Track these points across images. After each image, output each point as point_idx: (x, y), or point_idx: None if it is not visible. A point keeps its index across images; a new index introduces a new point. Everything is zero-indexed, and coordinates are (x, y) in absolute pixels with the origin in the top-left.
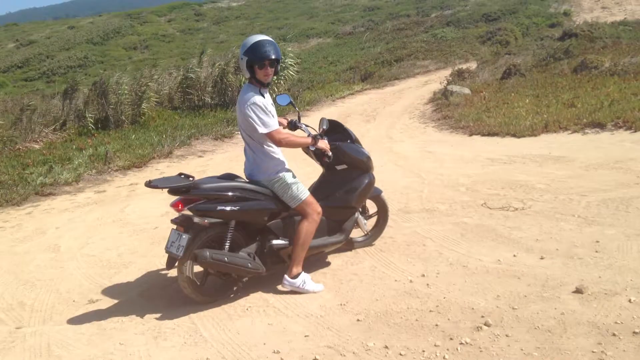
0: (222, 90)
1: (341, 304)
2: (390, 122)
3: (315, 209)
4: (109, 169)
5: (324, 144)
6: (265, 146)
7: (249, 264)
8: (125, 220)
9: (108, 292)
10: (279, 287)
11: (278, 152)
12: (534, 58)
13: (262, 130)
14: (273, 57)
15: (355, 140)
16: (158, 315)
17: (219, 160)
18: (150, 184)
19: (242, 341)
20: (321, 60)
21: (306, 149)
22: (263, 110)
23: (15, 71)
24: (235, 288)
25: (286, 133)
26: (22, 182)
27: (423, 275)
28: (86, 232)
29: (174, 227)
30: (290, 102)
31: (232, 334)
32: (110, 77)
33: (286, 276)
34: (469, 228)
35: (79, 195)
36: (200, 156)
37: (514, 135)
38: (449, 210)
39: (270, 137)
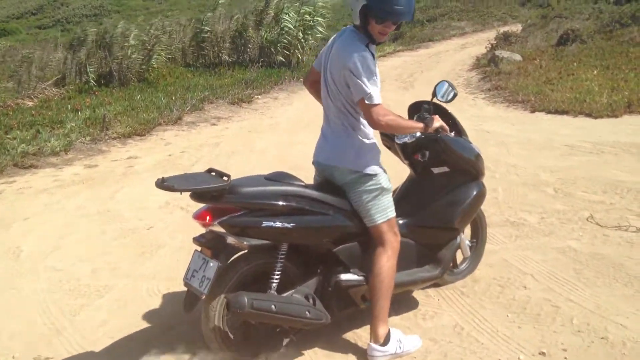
0: (241, 47)
1: None
2: (431, 90)
3: (397, 235)
4: (106, 137)
5: (438, 121)
6: (362, 119)
7: (308, 312)
8: (114, 212)
9: (66, 343)
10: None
11: (375, 136)
12: (595, 23)
13: (370, 98)
14: (405, 18)
15: (462, 132)
16: None
17: (235, 129)
18: (163, 184)
19: None
20: (346, 17)
21: (389, 141)
22: (374, 72)
23: (29, 18)
24: (286, 341)
25: (390, 111)
26: (0, 150)
27: (542, 354)
28: (61, 228)
29: (198, 248)
30: (454, 95)
31: None
32: (116, 27)
33: (373, 345)
34: (582, 260)
35: (64, 170)
36: (214, 124)
37: (588, 115)
38: (543, 225)
39: (373, 112)
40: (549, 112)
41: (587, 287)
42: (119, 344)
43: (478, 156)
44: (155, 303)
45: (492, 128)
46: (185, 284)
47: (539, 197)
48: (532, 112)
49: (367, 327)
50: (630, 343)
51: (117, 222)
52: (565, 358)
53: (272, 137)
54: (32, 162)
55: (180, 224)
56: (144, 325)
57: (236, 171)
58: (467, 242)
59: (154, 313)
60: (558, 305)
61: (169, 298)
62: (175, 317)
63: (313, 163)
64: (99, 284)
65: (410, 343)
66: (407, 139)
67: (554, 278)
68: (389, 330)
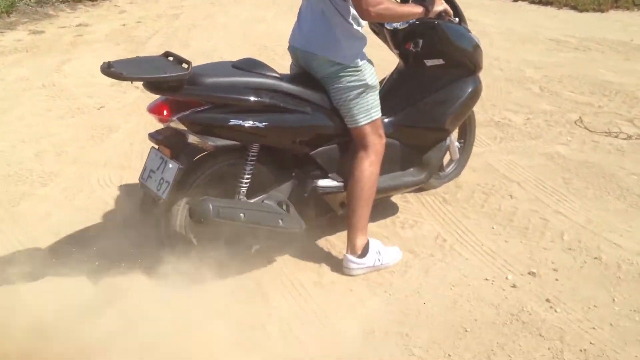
0: None
1: (402, 334)
2: None
3: (382, 137)
4: None
5: (441, 4)
6: (346, 11)
7: (281, 221)
8: (60, 86)
9: (2, 237)
10: (345, 272)
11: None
12: None
13: None
14: None
15: (462, 19)
16: None
17: (196, 0)
18: (109, 70)
19: None
20: None
21: (378, 26)
22: None
23: None
24: (255, 248)
25: None
26: None
27: (531, 274)
28: (0, 102)
29: (155, 145)
30: None
31: None
32: None
33: (349, 256)
34: (571, 168)
35: (6, 35)
36: None
37: (574, 8)
38: (529, 126)
39: (363, 1)
40: (532, 1)
41: (576, 199)
42: (63, 242)
43: (477, 47)
44: (107, 195)
45: (473, 16)
46: (142, 185)
47: (524, 95)
48: (515, 0)
49: (342, 234)
50: (625, 265)
51: (64, 98)
52: (557, 280)
53: (236, 11)
54: None
55: (135, 105)
56: (94, 221)
57: (196, 48)
58: (457, 144)
59: (106, 207)
60: (547, 218)
61: (122, 190)
62: (130, 214)
63: (288, 49)
64: (44, 170)
65: (389, 256)
66: (398, 25)
67: (542, 187)
68: (368, 240)
